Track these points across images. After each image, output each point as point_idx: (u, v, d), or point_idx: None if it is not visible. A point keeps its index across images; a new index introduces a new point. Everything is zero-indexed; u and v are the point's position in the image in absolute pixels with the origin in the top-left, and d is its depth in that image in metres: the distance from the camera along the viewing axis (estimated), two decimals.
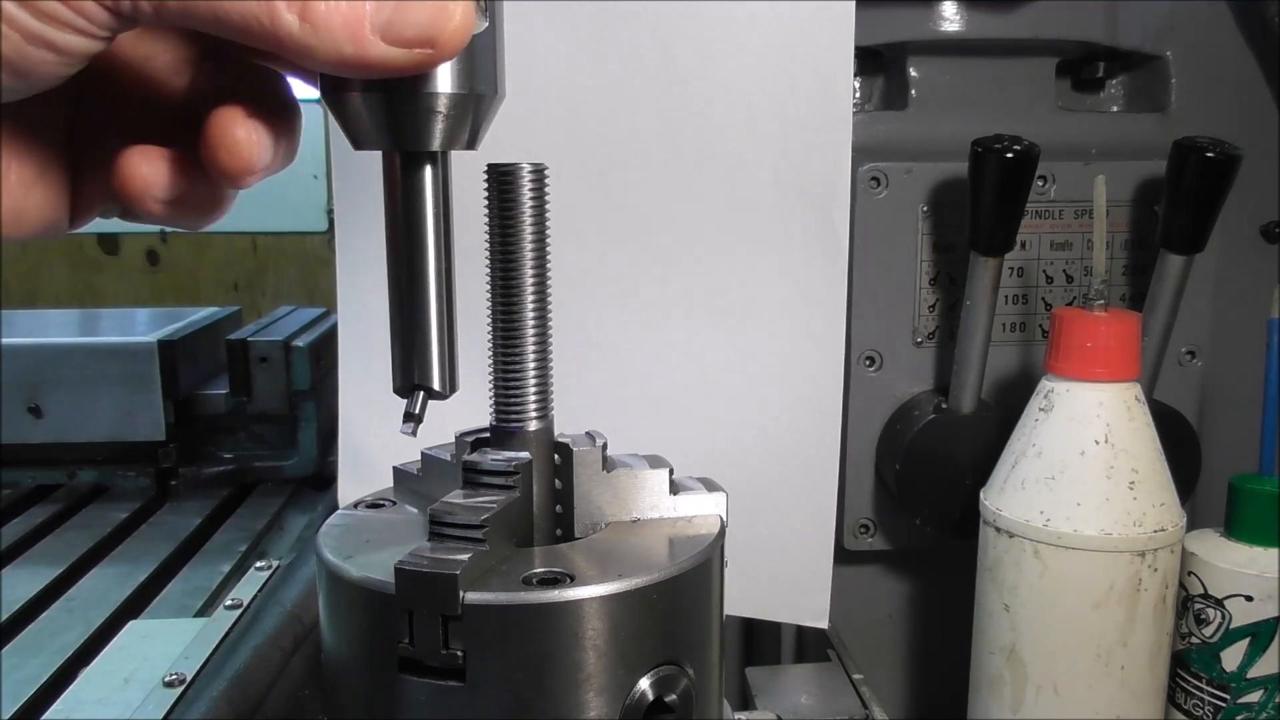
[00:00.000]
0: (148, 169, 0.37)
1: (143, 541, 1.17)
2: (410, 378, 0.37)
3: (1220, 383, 0.80)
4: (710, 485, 0.42)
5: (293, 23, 0.31)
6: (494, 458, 0.38)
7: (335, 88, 0.34)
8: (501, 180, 0.38)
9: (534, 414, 0.39)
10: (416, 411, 0.38)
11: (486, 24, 0.34)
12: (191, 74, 0.40)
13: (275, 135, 0.36)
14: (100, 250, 2.79)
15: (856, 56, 0.68)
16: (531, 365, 0.39)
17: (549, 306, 0.39)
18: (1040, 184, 0.74)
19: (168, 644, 0.72)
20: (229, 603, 0.77)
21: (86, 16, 0.31)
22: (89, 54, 0.32)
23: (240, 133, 0.35)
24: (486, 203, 0.38)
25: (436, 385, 0.37)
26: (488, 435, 0.40)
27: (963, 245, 0.73)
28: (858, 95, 0.80)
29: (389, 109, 0.34)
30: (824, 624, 0.75)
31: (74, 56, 0.32)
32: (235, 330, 1.42)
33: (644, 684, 0.35)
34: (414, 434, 0.38)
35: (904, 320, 0.76)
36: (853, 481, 0.78)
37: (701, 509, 0.41)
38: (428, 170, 0.36)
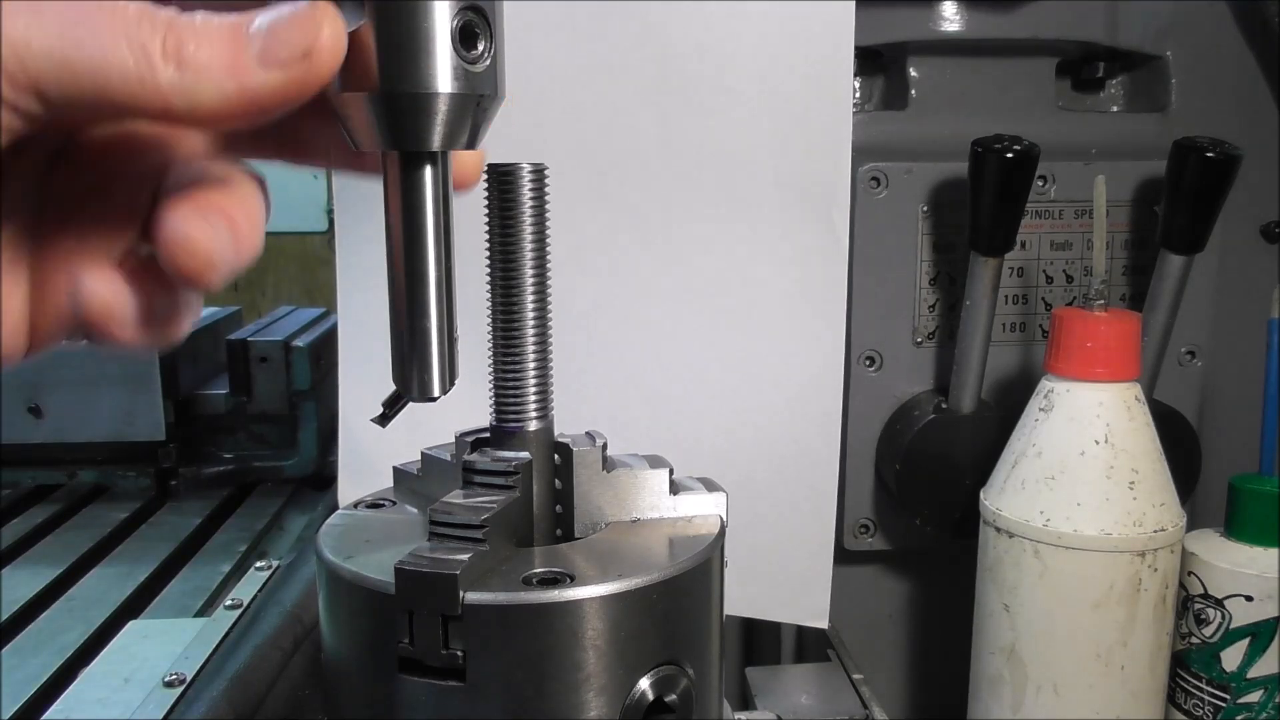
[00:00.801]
0: (108, 291, 0.34)
1: (143, 541, 1.17)
2: (408, 384, 0.37)
3: (1220, 383, 0.80)
4: (710, 485, 0.42)
5: (171, 73, 0.29)
6: (494, 458, 0.38)
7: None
8: (501, 180, 0.38)
9: (534, 414, 0.39)
10: (391, 412, 0.39)
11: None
12: (134, 170, 0.36)
13: (233, 221, 0.33)
14: None
15: (856, 56, 0.68)
16: (531, 365, 0.39)
17: (549, 306, 0.39)
18: (1040, 184, 0.74)
19: (168, 644, 0.72)
20: (229, 603, 0.77)
21: None
22: None
23: (192, 230, 0.32)
24: (486, 203, 0.38)
25: (436, 391, 0.37)
26: (488, 435, 0.40)
27: (963, 245, 0.73)
28: (858, 95, 0.80)
29: (389, 109, 0.34)
30: (824, 624, 0.75)
31: None
32: (235, 330, 1.42)
33: (644, 684, 0.35)
34: (383, 425, 0.39)
35: (904, 320, 0.76)
36: (853, 481, 0.78)
37: (701, 509, 0.41)
38: (428, 170, 0.36)
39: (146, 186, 0.35)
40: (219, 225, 0.32)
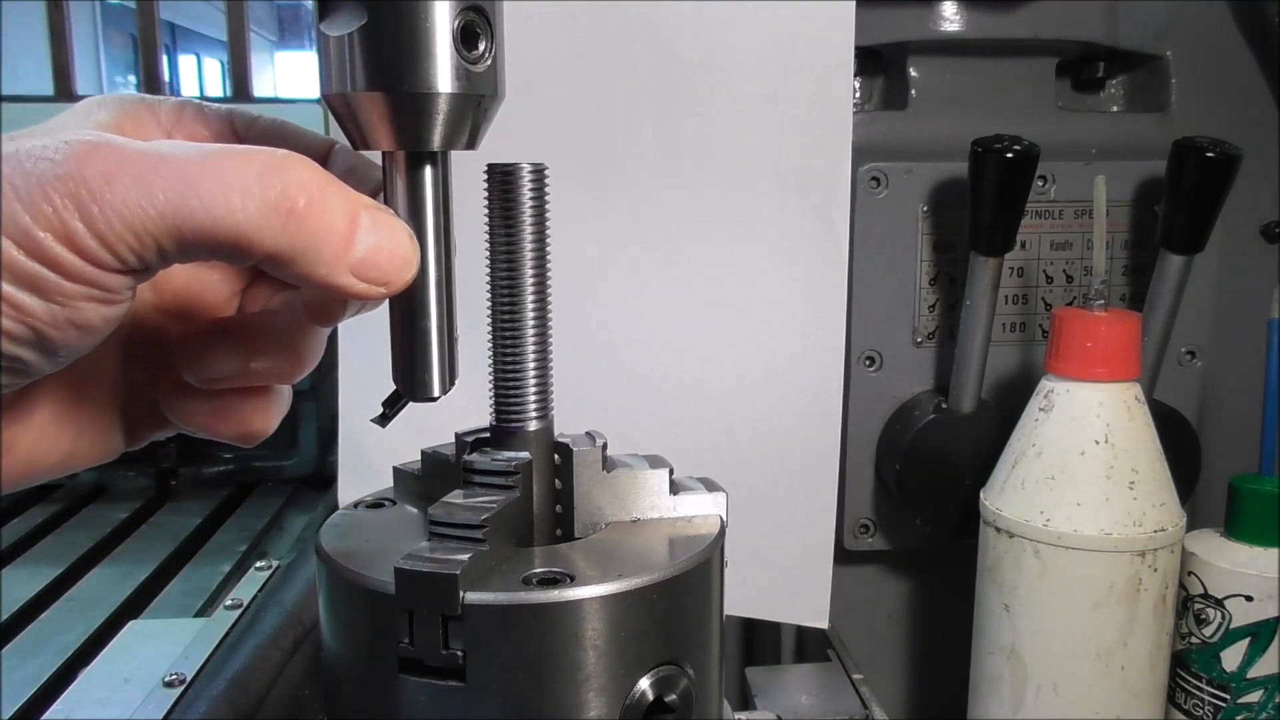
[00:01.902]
0: (195, 409, 0.38)
1: (143, 541, 1.17)
2: (408, 384, 0.37)
3: (1220, 383, 0.80)
4: (710, 485, 0.42)
5: (287, 230, 0.32)
6: (494, 458, 0.38)
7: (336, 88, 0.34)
8: (501, 180, 0.38)
9: (534, 414, 0.39)
10: (391, 412, 0.39)
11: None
12: (233, 283, 0.41)
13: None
14: None
15: (856, 56, 0.68)
16: (531, 365, 0.39)
17: (549, 306, 0.39)
18: (1040, 184, 0.74)
19: (168, 644, 0.72)
20: (229, 603, 0.77)
21: (101, 287, 0.31)
22: (116, 317, 0.32)
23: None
24: (486, 203, 0.38)
25: (436, 391, 0.37)
26: (488, 435, 0.40)
27: (963, 245, 0.73)
28: (858, 95, 0.80)
29: (390, 109, 0.34)
30: (824, 624, 0.75)
31: (101, 326, 0.32)
32: None
33: (644, 684, 0.35)
34: (383, 426, 0.40)
35: (904, 320, 0.76)
36: (853, 481, 0.78)
37: (701, 509, 0.41)
38: (428, 170, 0.36)
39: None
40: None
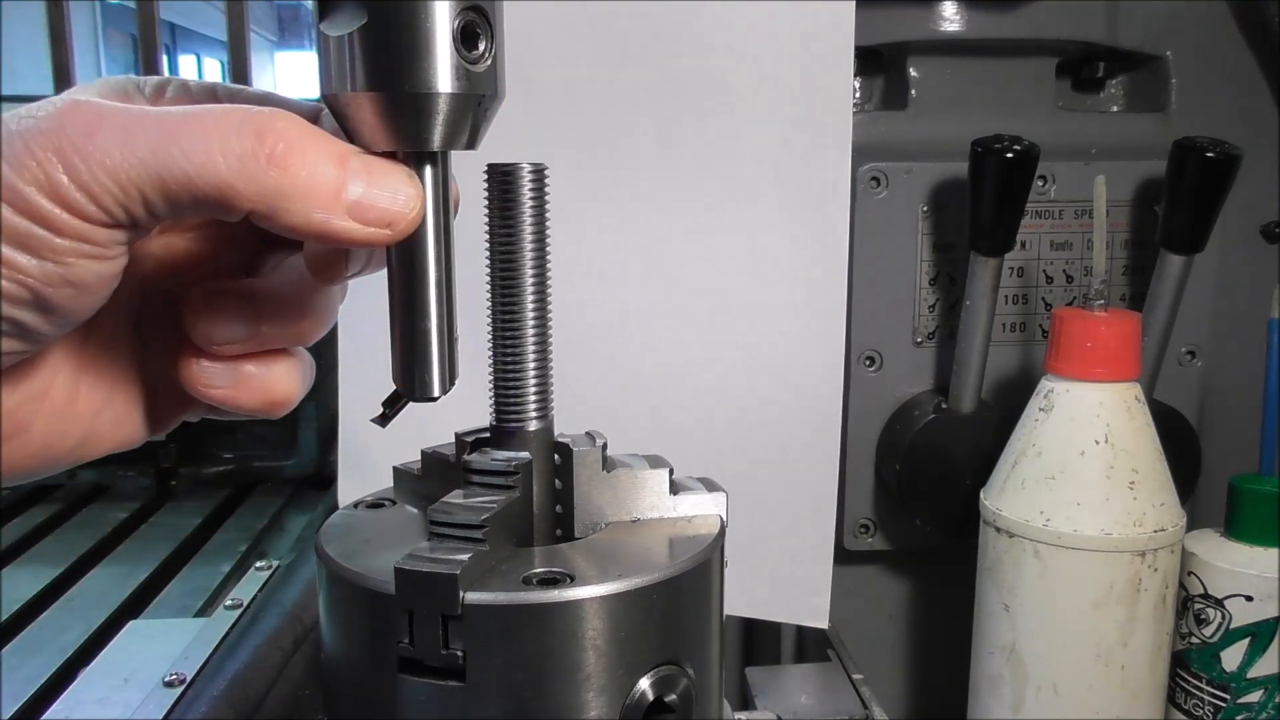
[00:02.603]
0: (215, 379, 0.38)
1: (143, 541, 1.17)
2: (408, 384, 0.37)
3: (1220, 383, 0.80)
4: (710, 485, 0.42)
5: (270, 177, 0.32)
6: (494, 458, 0.38)
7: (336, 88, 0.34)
8: (501, 180, 0.38)
9: (534, 414, 0.39)
10: (391, 412, 0.39)
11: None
12: (242, 248, 0.40)
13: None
14: None
15: (856, 56, 0.68)
16: (531, 365, 0.39)
17: (549, 306, 0.39)
18: (1040, 184, 0.74)
19: (168, 644, 0.72)
20: (229, 603, 0.77)
21: (91, 241, 0.31)
22: (111, 275, 0.32)
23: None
24: (486, 203, 0.38)
25: (436, 391, 0.37)
26: (488, 435, 0.40)
27: (963, 245, 0.73)
28: (858, 95, 0.80)
29: (390, 109, 0.34)
30: (824, 624, 0.75)
31: (96, 284, 0.32)
32: None
33: (644, 684, 0.35)
34: (384, 426, 0.39)
35: (904, 320, 0.76)
36: (853, 481, 0.78)
37: (701, 509, 0.41)
38: (428, 170, 0.36)
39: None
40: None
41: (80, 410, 0.37)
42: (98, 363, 0.38)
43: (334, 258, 0.37)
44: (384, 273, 0.37)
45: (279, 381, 0.39)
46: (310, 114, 0.37)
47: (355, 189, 0.33)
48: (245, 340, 0.37)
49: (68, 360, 0.37)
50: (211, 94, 0.38)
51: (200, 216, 0.33)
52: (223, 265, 0.40)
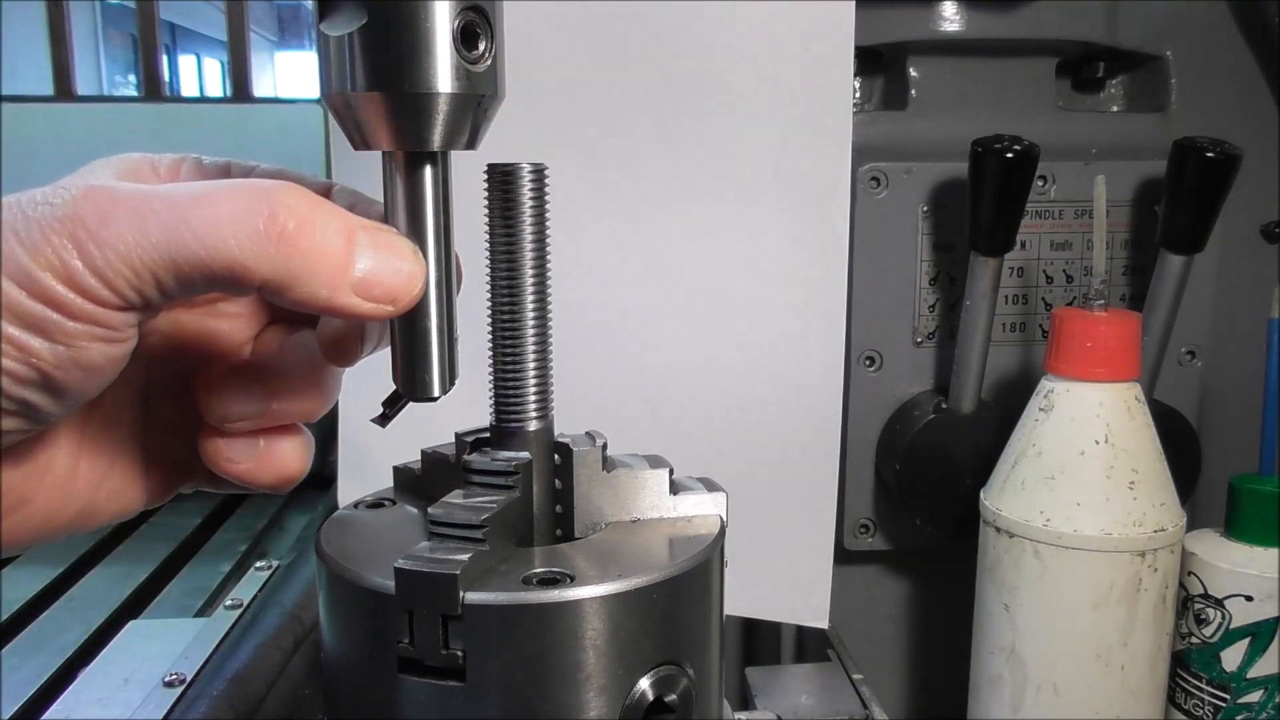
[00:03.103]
0: (237, 455, 0.39)
1: (143, 541, 1.17)
2: (408, 384, 0.37)
3: (1220, 383, 0.80)
4: (710, 485, 0.42)
5: (279, 256, 0.32)
6: (494, 458, 0.38)
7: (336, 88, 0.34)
8: (501, 180, 0.38)
9: (534, 414, 0.39)
10: (391, 412, 0.39)
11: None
12: (249, 323, 0.41)
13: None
14: None
15: (856, 56, 0.68)
16: (531, 365, 0.39)
17: (549, 306, 0.39)
18: (1040, 184, 0.74)
19: (168, 644, 0.72)
20: (229, 603, 0.77)
21: (103, 325, 0.31)
22: (121, 357, 0.33)
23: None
24: (486, 203, 0.38)
25: (436, 391, 0.38)
26: (488, 435, 0.40)
27: (963, 245, 0.73)
28: (858, 95, 0.80)
29: (390, 109, 0.34)
30: (824, 624, 0.75)
31: (106, 366, 0.33)
32: None
33: (644, 684, 0.35)
34: (383, 426, 0.40)
35: (904, 320, 0.76)
36: (853, 481, 0.78)
37: (701, 509, 0.41)
38: (428, 170, 0.36)
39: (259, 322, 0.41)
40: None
41: (80, 484, 0.38)
42: (99, 439, 0.38)
43: (348, 342, 0.38)
44: None
45: (289, 456, 0.40)
46: (321, 189, 0.38)
47: (362, 264, 0.33)
48: (257, 417, 0.38)
49: (70, 436, 0.37)
50: (225, 170, 0.39)
51: (212, 293, 0.34)
52: (230, 340, 0.41)
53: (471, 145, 0.36)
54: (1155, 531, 0.62)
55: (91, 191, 0.31)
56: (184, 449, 0.40)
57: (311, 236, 0.32)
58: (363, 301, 0.34)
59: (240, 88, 2.48)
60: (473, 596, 0.33)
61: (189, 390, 0.39)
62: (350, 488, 0.75)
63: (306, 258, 0.32)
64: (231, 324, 0.41)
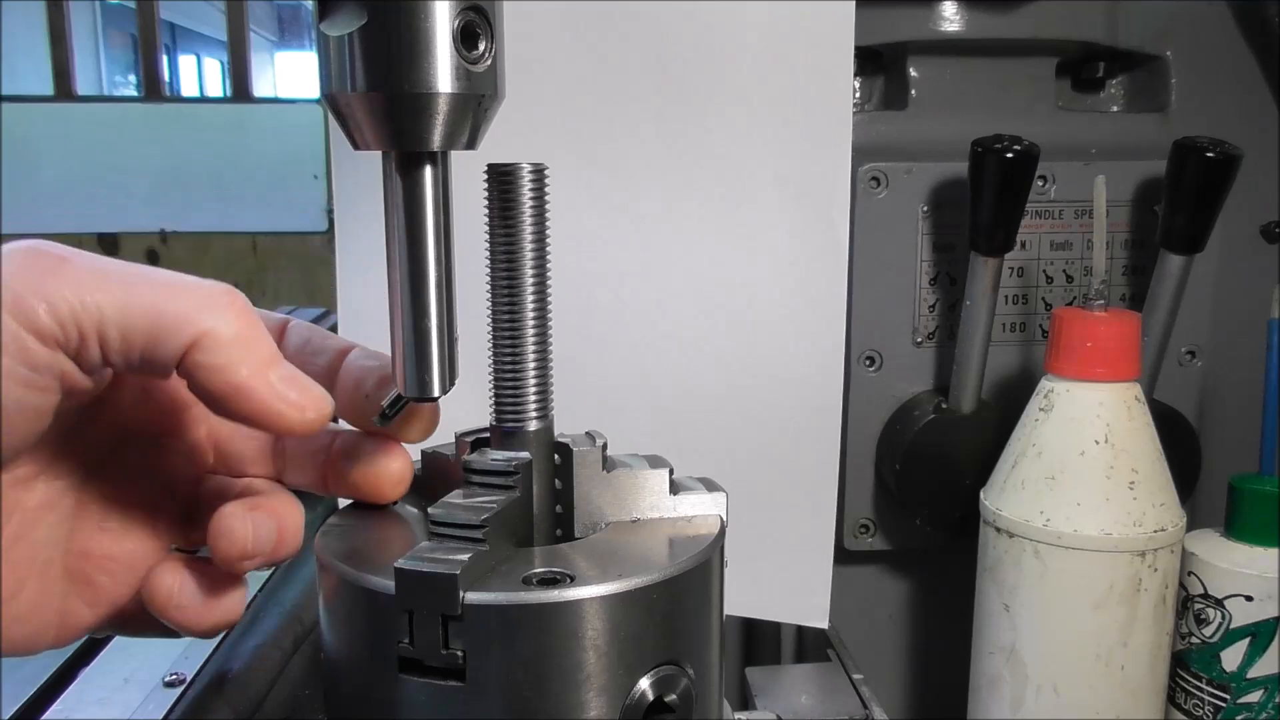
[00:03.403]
0: (171, 579, 0.39)
1: None
2: (408, 384, 0.37)
3: (1220, 383, 0.80)
4: (710, 485, 0.42)
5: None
6: (494, 458, 0.38)
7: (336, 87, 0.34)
8: (501, 180, 0.38)
9: (534, 414, 0.39)
10: (391, 412, 0.39)
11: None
12: (198, 470, 0.43)
13: (281, 520, 0.40)
14: (100, 250, 2.78)
15: (856, 56, 0.68)
16: (531, 365, 0.39)
17: (549, 306, 0.39)
18: (1040, 184, 0.74)
19: (168, 644, 0.72)
20: None
21: (27, 362, 0.33)
22: (42, 413, 0.34)
23: (237, 525, 0.38)
24: (486, 203, 0.38)
25: (436, 391, 0.38)
26: (488, 435, 0.40)
27: (963, 245, 0.73)
28: (858, 95, 0.80)
29: (390, 109, 0.34)
30: (824, 624, 0.75)
31: (20, 418, 0.33)
32: None
33: (644, 684, 0.35)
34: (383, 426, 0.40)
35: (904, 320, 0.76)
36: (853, 481, 0.78)
37: (701, 509, 0.41)
38: (428, 170, 0.36)
39: (186, 489, 0.42)
40: (264, 523, 0.39)
41: (19, 608, 0.38)
42: (13, 549, 0.38)
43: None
44: (384, 272, 0.37)
45: (234, 604, 0.41)
46: (276, 328, 0.41)
47: (281, 372, 0.36)
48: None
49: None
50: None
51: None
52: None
53: (471, 145, 0.36)
54: (1155, 531, 0.62)
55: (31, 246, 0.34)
56: (112, 584, 0.40)
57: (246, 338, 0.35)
58: (278, 394, 0.35)
59: (240, 88, 2.49)
60: (473, 596, 0.33)
61: (133, 517, 0.40)
62: None
63: (236, 338, 0.35)
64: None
